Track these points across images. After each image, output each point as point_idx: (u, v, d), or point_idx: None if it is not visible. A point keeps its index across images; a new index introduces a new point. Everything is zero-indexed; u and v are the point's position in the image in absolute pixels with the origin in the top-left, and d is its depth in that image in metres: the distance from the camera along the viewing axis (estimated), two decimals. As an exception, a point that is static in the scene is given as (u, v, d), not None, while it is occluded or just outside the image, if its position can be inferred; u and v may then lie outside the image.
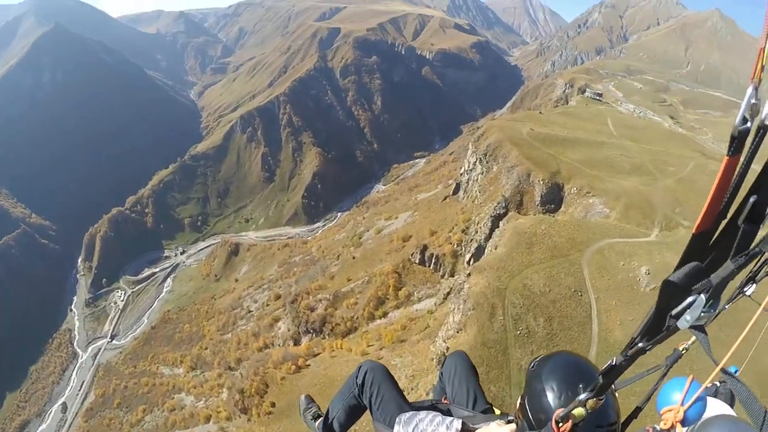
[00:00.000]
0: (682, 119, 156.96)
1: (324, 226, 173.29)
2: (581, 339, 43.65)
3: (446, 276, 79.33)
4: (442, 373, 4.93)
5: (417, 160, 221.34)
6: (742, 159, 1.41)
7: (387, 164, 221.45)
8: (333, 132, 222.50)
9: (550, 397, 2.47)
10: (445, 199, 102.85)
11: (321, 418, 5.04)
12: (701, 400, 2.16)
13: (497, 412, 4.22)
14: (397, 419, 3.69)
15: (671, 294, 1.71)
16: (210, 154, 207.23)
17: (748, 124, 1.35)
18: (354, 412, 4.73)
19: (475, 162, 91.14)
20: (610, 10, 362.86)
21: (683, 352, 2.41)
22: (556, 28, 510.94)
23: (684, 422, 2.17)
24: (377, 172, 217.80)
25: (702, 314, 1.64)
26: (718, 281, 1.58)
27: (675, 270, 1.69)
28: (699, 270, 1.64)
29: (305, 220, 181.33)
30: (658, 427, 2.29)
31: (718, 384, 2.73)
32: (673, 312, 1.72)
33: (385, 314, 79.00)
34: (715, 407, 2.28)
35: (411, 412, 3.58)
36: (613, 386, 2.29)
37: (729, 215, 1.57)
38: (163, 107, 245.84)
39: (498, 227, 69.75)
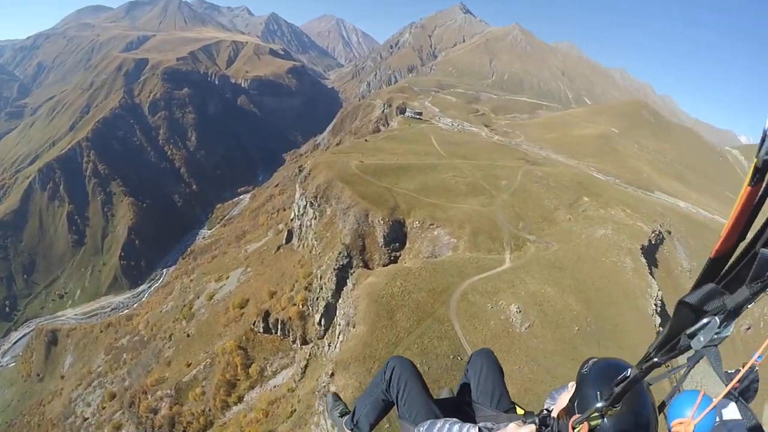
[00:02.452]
0: (495, 126, 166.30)
1: (150, 288, 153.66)
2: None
3: (297, 341, 69.85)
4: (468, 369, 4.86)
5: (242, 196, 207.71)
6: (763, 187, 1.45)
7: (210, 205, 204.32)
8: (146, 177, 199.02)
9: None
10: (278, 249, 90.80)
11: (348, 415, 5.06)
12: (711, 415, 2.15)
13: (520, 411, 4.18)
14: (415, 430, 3.62)
15: (686, 314, 1.75)
16: (8, 220, 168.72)
17: None
18: (381, 408, 4.68)
19: (306, 206, 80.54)
20: (419, 30, 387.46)
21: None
22: (369, 49, 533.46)
23: None
24: (200, 215, 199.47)
25: (715, 336, 1.67)
26: (733, 305, 1.61)
27: (691, 290, 1.73)
28: (714, 292, 1.67)
29: (127, 284, 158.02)
30: None
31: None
32: (688, 331, 1.75)
33: (240, 399, 68.20)
34: (732, 411, 2.27)
35: (429, 422, 3.44)
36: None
37: (747, 240, 1.59)
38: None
39: (346, 285, 60.85)
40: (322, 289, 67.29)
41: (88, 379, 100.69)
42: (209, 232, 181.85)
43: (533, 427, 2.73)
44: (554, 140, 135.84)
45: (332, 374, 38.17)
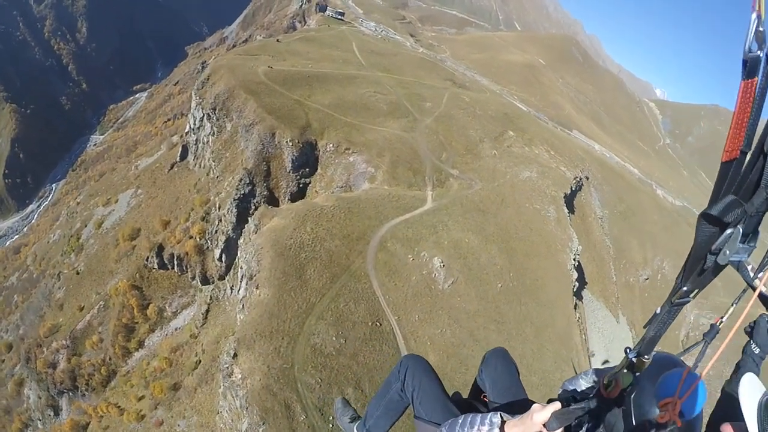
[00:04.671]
0: (421, 36, 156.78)
1: (39, 207, 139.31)
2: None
3: (197, 279, 63.44)
4: (482, 370, 4.64)
5: (137, 95, 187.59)
6: (758, 82, 1.38)
7: (102, 107, 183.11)
8: (29, 78, 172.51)
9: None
10: (171, 167, 79.48)
11: (359, 420, 4.80)
12: (700, 392, 2.10)
13: None
14: (439, 430, 3.53)
15: (708, 229, 1.65)
16: None
17: (758, 52, 1.35)
18: (395, 409, 4.42)
19: (203, 118, 68.92)
20: None
21: (720, 326, 2.29)
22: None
23: (680, 415, 2.09)
24: (91, 119, 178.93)
25: (740, 246, 1.59)
26: (753, 210, 1.54)
27: (709, 204, 1.65)
28: (733, 202, 1.59)
29: (14, 205, 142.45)
30: (654, 420, 2.19)
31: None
32: (713, 248, 1.64)
33: (140, 344, 64.32)
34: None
35: (451, 420, 3.34)
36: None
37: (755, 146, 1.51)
38: None
39: (247, 221, 53.43)
40: (221, 221, 60.08)
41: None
42: (101, 137, 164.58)
43: (557, 404, 2.57)
44: (481, 62, 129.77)
45: (235, 355, 31.99)
